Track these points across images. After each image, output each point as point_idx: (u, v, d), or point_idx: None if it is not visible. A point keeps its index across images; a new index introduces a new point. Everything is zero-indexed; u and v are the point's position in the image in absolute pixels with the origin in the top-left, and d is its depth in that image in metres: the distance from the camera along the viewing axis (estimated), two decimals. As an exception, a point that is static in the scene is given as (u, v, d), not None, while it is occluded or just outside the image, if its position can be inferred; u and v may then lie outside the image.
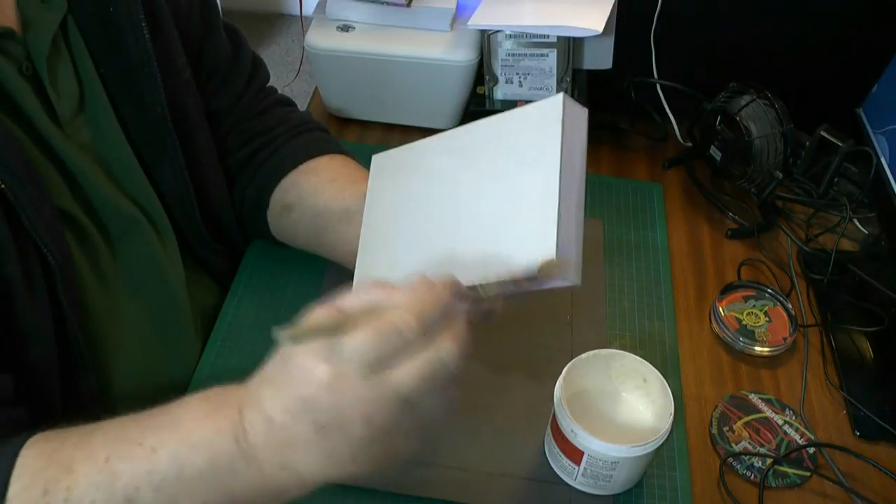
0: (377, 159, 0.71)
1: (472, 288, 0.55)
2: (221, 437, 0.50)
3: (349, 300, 0.50)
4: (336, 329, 0.48)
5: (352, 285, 0.83)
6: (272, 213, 0.82)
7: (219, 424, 0.51)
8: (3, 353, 0.59)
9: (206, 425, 0.51)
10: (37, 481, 0.50)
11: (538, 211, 0.54)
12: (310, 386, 0.47)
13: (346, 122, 1.09)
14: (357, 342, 0.47)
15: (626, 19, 0.99)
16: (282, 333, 0.48)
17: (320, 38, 1.02)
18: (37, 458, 0.51)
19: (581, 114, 0.57)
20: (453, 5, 1.02)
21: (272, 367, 0.51)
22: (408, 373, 0.47)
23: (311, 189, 0.79)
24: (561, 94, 0.56)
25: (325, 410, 0.47)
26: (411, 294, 0.49)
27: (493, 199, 0.58)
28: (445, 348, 0.48)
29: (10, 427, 0.56)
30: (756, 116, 0.92)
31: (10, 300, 0.59)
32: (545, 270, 0.53)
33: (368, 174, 0.72)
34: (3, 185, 0.56)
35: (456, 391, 0.50)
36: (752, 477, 0.74)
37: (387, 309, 0.48)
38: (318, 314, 0.49)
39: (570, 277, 0.53)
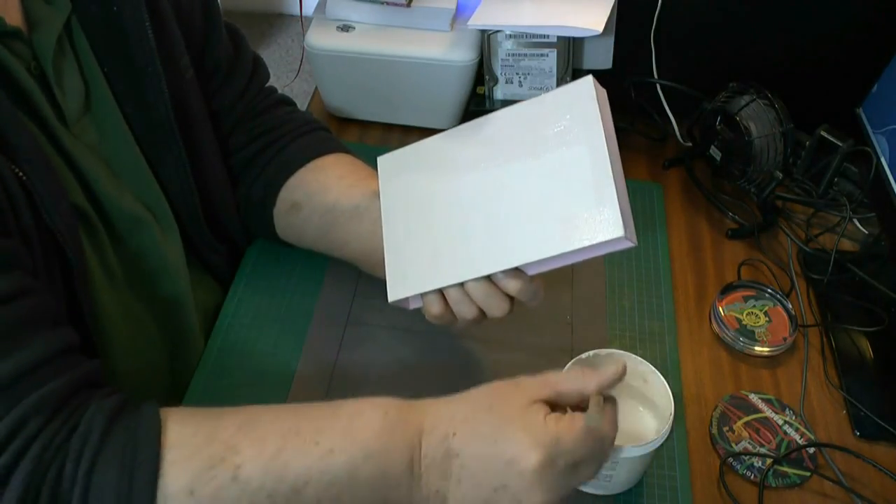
0: (384, 161, 0.72)
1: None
2: (398, 455, 0.55)
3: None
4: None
5: (359, 286, 0.84)
6: (279, 212, 0.82)
7: (397, 444, 0.55)
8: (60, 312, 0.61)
9: (383, 439, 0.55)
10: (199, 454, 0.53)
11: (593, 184, 0.58)
12: (515, 470, 0.53)
13: (346, 122, 1.09)
14: (575, 443, 0.54)
15: (626, 19, 0.99)
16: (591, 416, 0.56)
17: (320, 38, 1.02)
18: (194, 434, 0.54)
19: (604, 94, 0.61)
20: (453, 5, 1.02)
21: (481, 409, 0.56)
22: (590, 472, 0.57)
23: (320, 187, 0.79)
24: (590, 76, 0.60)
25: (514, 487, 0.54)
26: (611, 410, 0.58)
27: (538, 178, 0.61)
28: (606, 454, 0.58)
29: (93, 375, 0.58)
30: (756, 116, 0.92)
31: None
32: (612, 243, 0.57)
33: (374, 173, 0.73)
34: (25, 178, 0.57)
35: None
36: (752, 477, 0.74)
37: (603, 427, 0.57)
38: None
39: (633, 241, 0.58)
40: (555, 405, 0.57)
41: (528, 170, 0.62)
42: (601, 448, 0.57)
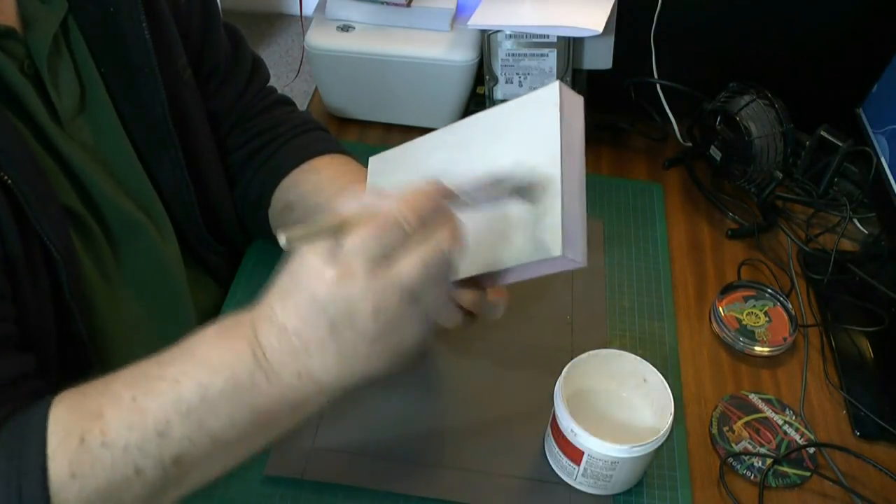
0: (374, 161, 0.72)
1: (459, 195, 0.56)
2: (239, 355, 0.52)
3: (345, 205, 0.52)
4: (336, 230, 0.50)
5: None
6: (274, 212, 0.82)
7: (235, 344, 0.53)
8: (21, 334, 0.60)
9: (222, 347, 0.53)
10: (72, 432, 0.52)
11: (540, 199, 0.55)
12: (320, 287, 0.50)
13: (346, 122, 1.09)
14: (360, 239, 0.49)
15: (626, 19, 0.99)
16: (283, 235, 0.49)
17: (320, 38, 1.02)
18: (68, 412, 0.53)
19: (577, 101, 0.58)
20: (453, 5, 1.02)
21: (280, 281, 0.53)
22: (409, 263, 0.50)
23: (313, 187, 0.79)
24: (557, 82, 0.57)
25: (335, 308, 0.50)
26: (406, 194, 0.51)
27: None
28: (442, 238, 0.51)
29: (34, 397, 0.57)
30: (756, 116, 0.92)
31: (14, 289, 0.59)
32: (553, 262, 0.54)
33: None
34: (9, 181, 0.57)
35: (453, 284, 0.54)
36: (752, 477, 0.74)
37: (383, 209, 0.50)
38: (318, 219, 0.51)
39: (578, 261, 0.55)
40: None
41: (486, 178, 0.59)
42: (401, 229, 0.50)
